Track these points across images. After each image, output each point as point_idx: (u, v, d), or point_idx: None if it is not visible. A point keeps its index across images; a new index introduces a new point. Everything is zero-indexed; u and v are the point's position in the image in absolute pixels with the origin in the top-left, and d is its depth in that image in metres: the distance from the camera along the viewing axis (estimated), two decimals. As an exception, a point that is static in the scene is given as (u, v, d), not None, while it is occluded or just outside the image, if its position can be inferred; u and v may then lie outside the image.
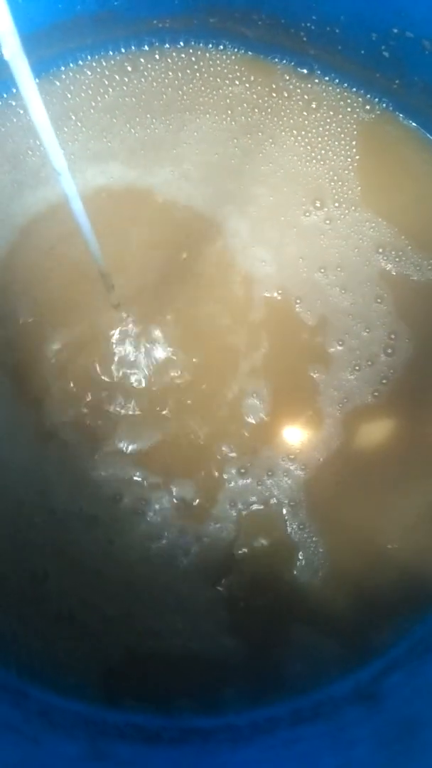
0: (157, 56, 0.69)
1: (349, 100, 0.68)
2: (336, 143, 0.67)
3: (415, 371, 0.63)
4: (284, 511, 0.61)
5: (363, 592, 0.60)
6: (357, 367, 0.63)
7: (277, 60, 0.68)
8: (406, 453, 0.63)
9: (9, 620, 0.57)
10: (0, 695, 0.54)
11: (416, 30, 0.61)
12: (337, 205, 0.66)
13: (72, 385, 0.62)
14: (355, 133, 0.67)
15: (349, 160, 0.67)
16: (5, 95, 0.67)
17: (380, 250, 0.65)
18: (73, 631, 0.56)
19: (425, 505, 0.62)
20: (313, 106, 0.68)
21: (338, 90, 0.68)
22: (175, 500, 0.60)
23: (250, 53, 0.68)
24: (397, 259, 0.65)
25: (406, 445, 0.63)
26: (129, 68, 0.68)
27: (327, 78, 0.68)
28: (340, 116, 0.68)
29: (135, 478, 0.61)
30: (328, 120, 0.68)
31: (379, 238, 0.65)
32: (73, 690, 0.56)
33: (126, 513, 0.60)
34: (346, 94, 0.67)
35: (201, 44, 0.68)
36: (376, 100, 0.67)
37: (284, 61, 0.68)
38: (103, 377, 0.62)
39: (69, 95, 0.68)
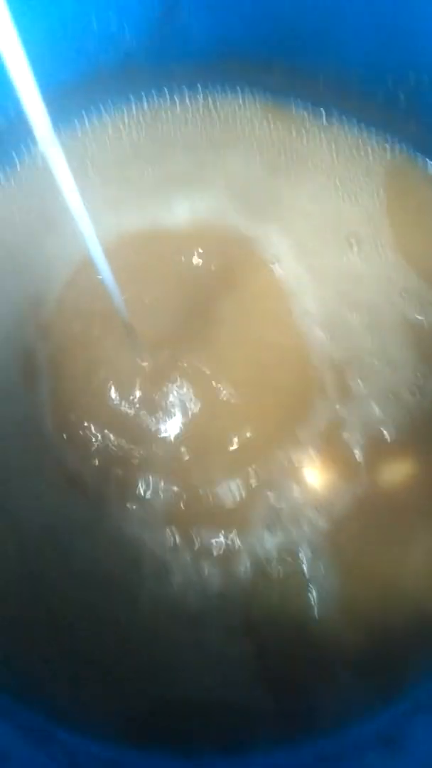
0: (176, 102, 0.70)
1: (370, 143, 0.69)
2: (365, 184, 0.68)
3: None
4: (306, 558, 0.61)
5: (384, 634, 0.60)
6: (384, 399, 0.64)
7: (295, 105, 0.69)
8: (425, 494, 0.63)
9: (35, 664, 0.58)
10: (27, 737, 0.55)
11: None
12: (374, 245, 0.67)
13: (95, 433, 0.63)
14: (383, 174, 0.68)
15: (378, 201, 0.68)
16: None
17: (403, 295, 0.65)
18: (98, 676, 0.57)
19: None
20: (337, 147, 0.69)
21: (358, 133, 0.69)
22: (197, 555, 0.61)
23: (269, 98, 0.70)
24: (420, 308, 0.65)
25: (424, 487, 0.63)
26: (149, 114, 0.70)
27: (346, 122, 0.69)
28: (364, 158, 0.69)
29: (157, 535, 0.61)
30: (354, 162, 0.69)
31: (404, 283, 0.66)
32: (99, 732, 0.57)
33: (149, 573, 0.60)
34: (366, 137, 0.68)
35: (219, 90, 0.70)
36: (396, 143, 0.68)
37: (302, 106, 0.69)
38: (126, 426, 0.63)
39: (89, 143, 0.69)
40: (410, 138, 0.68)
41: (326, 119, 0.69)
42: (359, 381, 0.64)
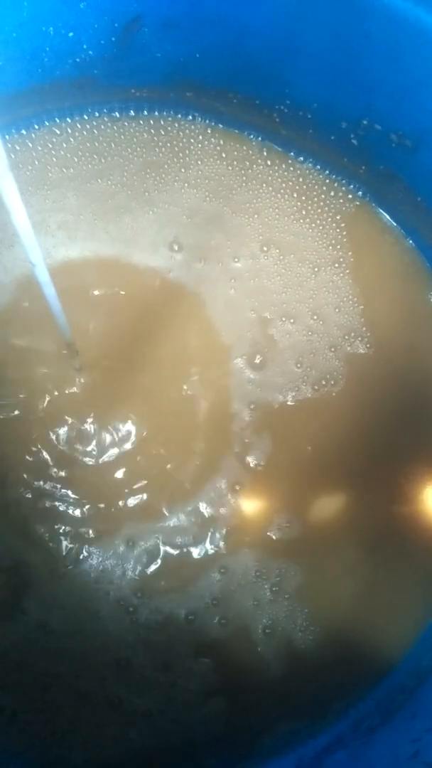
0: (132, 122, 0.69)
1: (322, 178, 0.69)
2: (325, 214, 0.69)
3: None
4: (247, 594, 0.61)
5: (311, 665, 0.61)
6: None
7: (250, 136, 0.70)
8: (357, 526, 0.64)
9: None
10: None
11: (384, 124, 0.64)
12: (336, 266, 0.68)
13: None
14: (344, 211, 0.69)
15: (339, 230, 0.69)
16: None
17: (350, 334, 0.68)
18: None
19: (367, 580, 0.63)
20: (293, 178, 0.69)
21: (312, 168, 0.70)
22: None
23: (222, 127, 0.70)
24: (359, 339, 0.67)
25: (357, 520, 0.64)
26: (105, 132, 0.69)
27: (295, 155, 0.70)
28: (321, 191, 0.70)
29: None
30: (313, 194, 0.69)
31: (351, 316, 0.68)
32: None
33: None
34: (321, 172, 0.69)
35: (176, 114, 0.70)
36: (348, 183, 0.69)
37: (256, 137, 0.70)
38: (60, 448, 0.62)
39: (40, 156, 0.67)
40: (361, 181, 0.69)
41: (281, 152, 0.70)
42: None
